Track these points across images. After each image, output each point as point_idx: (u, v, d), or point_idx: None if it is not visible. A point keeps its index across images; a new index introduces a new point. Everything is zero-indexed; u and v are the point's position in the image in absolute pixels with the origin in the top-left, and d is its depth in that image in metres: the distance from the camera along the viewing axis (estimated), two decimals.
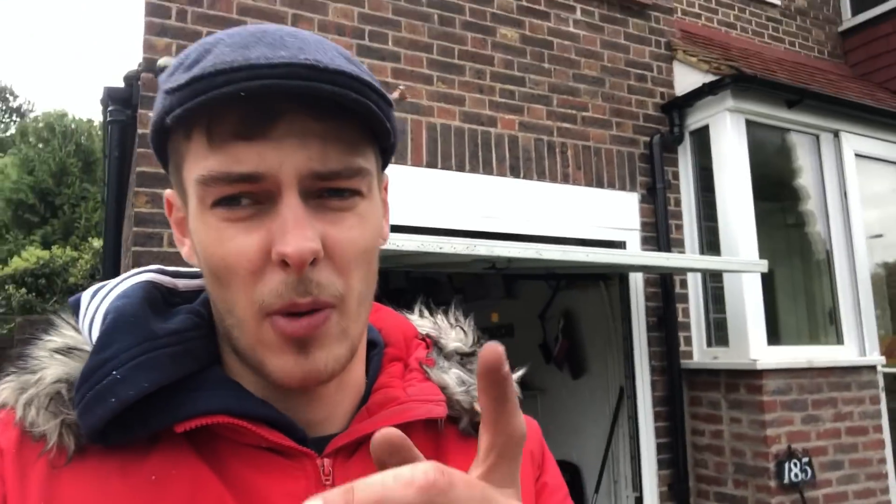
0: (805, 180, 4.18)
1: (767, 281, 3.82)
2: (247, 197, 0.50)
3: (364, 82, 0.49)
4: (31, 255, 11.80)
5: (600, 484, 4.00)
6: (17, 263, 11.56)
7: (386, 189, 0.62)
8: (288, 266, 0.48)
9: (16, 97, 30.95)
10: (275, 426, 0.53)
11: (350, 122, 0.50)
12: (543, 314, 4.66)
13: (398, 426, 0.48)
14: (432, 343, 0.67)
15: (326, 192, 0.51)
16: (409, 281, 5.73)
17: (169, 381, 0.51)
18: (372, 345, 0.65)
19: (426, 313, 0.73)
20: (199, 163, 0.50)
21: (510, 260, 2.64)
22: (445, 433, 0.61)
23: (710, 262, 3.47)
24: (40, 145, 17.02)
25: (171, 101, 0.49)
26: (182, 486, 0.51)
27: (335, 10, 3.13)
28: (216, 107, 0.47)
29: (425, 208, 3.11)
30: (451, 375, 0.63)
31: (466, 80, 3.41)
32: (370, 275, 0.55)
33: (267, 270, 0.49)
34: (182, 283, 0.62)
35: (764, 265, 3.36)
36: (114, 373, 0.50)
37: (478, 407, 0.58)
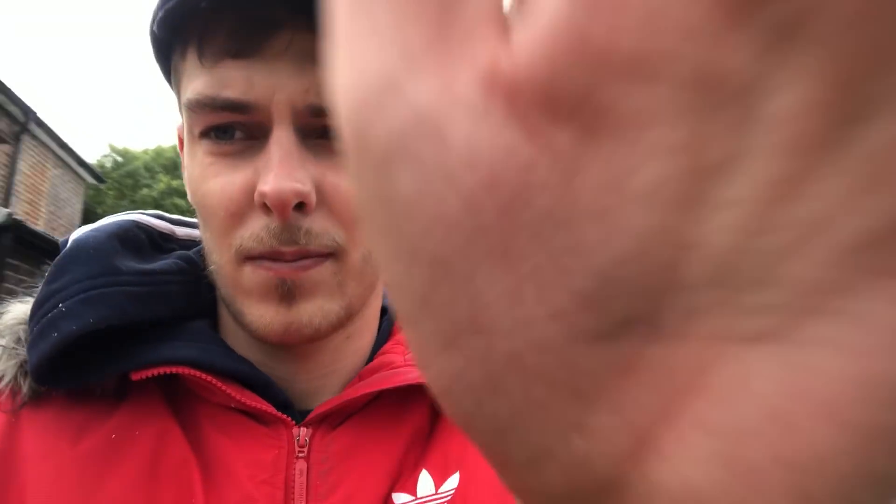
0: None
1: None
2: (240, 129, 0.43)
3: None
4: None
5: None
6: None
7: None
8: (270, 210, 0.42)
9: None
10: (253, 388, 0.48)
11: None
12: None
13: (389, 390, 0.49)
14: None
15: (330, 133, 0.42)
16: None
17: (124, 323, 0.45)
18: (384, 312, 0.58)
19: None
20: (190, 85, 0.43)
21: None
22: None
23: None
24: None
25: (156, 6, 0.43)
26: (144, 445, 0.45)
27: None
28: (209, 19, 0.41)
29: None
30: None
31: None
32: None
33: (250, 213, 0.43)
34: (181, 231, 0.56)
35: None
36: (59, 305, 0.45)
37: None
